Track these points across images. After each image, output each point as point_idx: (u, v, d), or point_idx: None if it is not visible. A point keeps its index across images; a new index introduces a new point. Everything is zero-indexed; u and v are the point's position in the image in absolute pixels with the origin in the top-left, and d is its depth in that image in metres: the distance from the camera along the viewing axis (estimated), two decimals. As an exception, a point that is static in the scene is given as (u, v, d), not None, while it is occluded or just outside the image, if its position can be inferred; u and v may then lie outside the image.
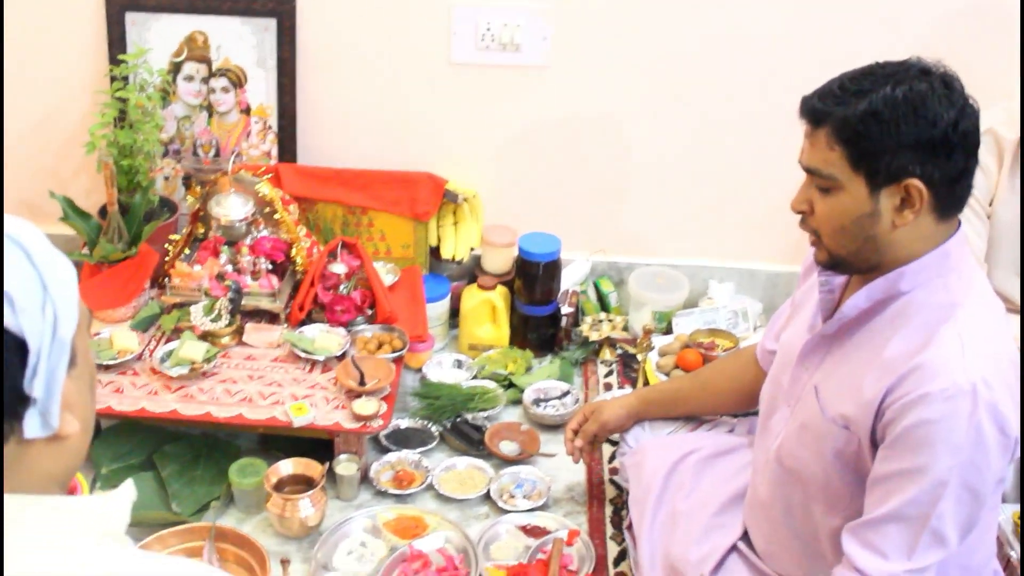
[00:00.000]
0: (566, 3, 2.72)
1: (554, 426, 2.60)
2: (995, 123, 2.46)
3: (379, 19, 2.76)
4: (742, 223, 2.99)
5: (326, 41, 2.80)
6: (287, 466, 2.30)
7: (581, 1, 2.72)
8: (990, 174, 2.47)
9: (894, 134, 1.48)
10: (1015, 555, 2.12)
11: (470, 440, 2.52)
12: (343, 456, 2.35)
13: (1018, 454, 1.57)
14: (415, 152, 2.90)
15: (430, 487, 2.39)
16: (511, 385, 2.72)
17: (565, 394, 2.69)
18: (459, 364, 2.79)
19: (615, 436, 2.29)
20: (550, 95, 2.83)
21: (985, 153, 2.43)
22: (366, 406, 2.33)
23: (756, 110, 2.81)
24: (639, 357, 2.71)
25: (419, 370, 2.73)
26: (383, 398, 2.39)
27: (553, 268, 2.79)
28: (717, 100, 2.82)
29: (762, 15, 2.73)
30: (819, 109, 1.53)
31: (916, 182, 1.49)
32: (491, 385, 2.68)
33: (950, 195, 1.53)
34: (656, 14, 2.73)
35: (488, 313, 2.83)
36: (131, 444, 2.42)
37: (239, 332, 2.57)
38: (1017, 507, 2.20)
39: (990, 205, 2.50)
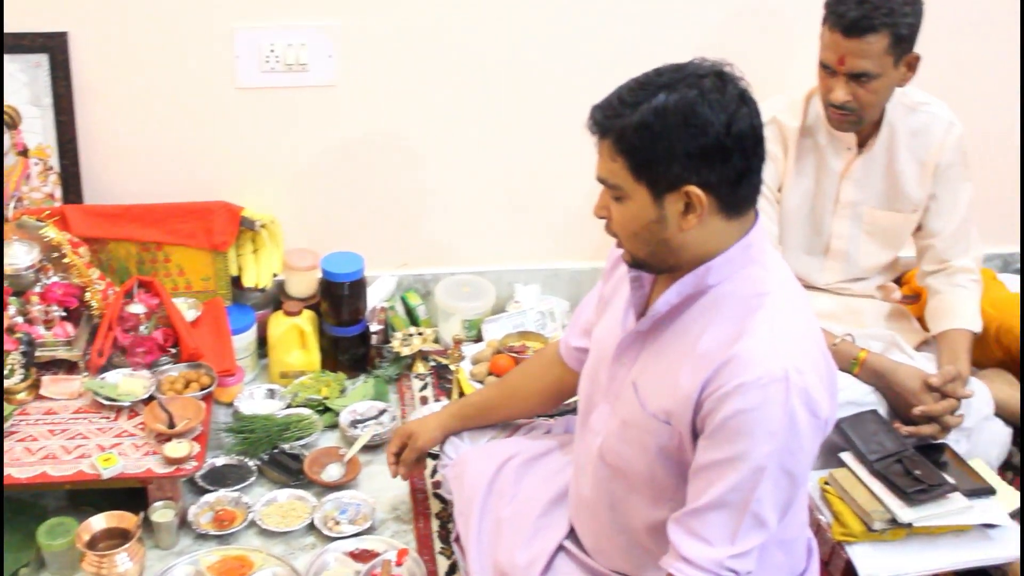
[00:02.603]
0: (350, 20, 2.71)
1: (374, 446, 2.58)
2: (777, 112, 2.58)
3: (159, 47, 2.67)
4: (542, 225, 3.04)
5: (104, 74, 2.69)
6: (99, 521, 2.20)
7: (364, 17, 2.71)
8: (777, 161, 2.59)
9: (666, 145, 1.50)
10: (824, 519, 2.22)
11: (289, 470, 2.48)
12: (158, 503, 2.27)
13: (828, 431, 1.64)
14: (208, 181, 2.83)
15: (252, 524, 2.34)
16: (327, 410, 2.69)
17: (382, 413, 2.68)
18: (272, 394, 2.74)
19: (435, 449, 2.29)
20: (341, 113, 2.82)
21: (771, 142, 2.54)
22: (178, 448, 2.27)
23: (550, 113, 2.87)
24: (452, 368, 2.73)
25: (231, 404, 2.67)
26: (195, 438, 2.33)
27: (358, 287, 2.78)
28: (509, 106, 2.87)
29: (551, 19, 2.79)
30: (600, 122, 1.56)
31: (695, 189, 1.52)
32: (306, 412, 2.65)
33: (733, 196, 1.57)
34: (441, 26, 2.75)
35: (296, 339, 2.80)
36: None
37: (35, 386, 2.45)
38: (824, 473, 2.31)
39: (779, 191, 2.62)
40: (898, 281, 3.03)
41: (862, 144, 2.56)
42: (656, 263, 1.64)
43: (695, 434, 1.60)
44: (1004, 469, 2.68)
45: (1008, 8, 3.07)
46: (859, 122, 2.46)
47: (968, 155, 2.61)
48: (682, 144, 1.50)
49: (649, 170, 1.53)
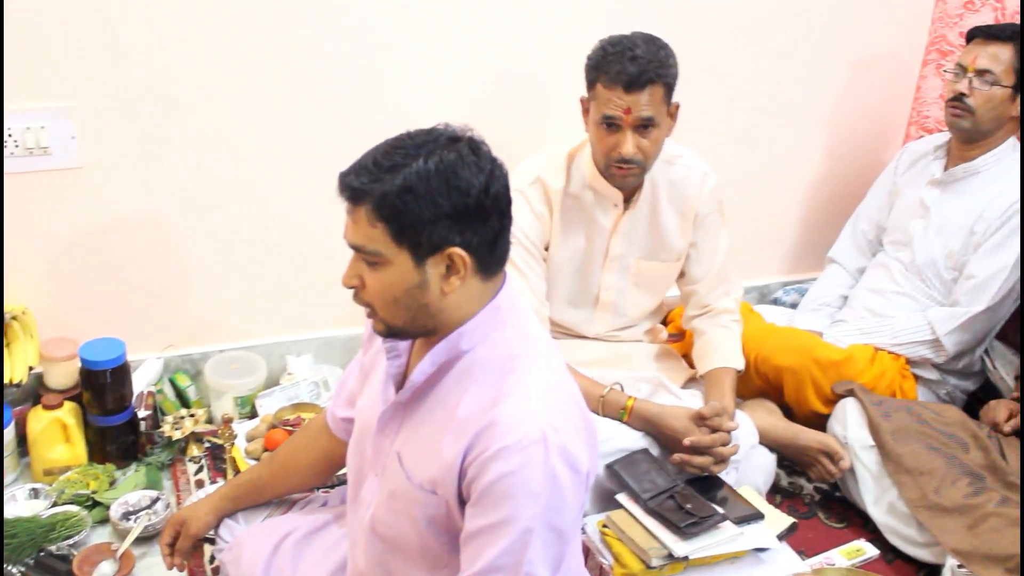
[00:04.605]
0: (90, 100, 2.63)
1: (149, 537, 2.48)
2: (541, 172, 2.65)
3: None
4: (310, 293, 3.02)
5: None
6: None
7: (104, 96, 2.64)
8: (544, 220, 2.65)
9: (431, 207, 1.51)
10: (606, 562, 2.27)
11: (57, 573, 2.35)
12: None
13: (591, 482, 1.68)
14: (-51, 276, 2.68)
15: (18, 634, 2.21)
16: (96, 504, 2.57)
17: (155, 501, 2.58)
18: (35, 493, 2.60)
19: (211, 533, 2.22)
20: (90, 195, 2.73)
21: (537, 201, 2.62)
22: (-72, 564, 2.12)
23: (306, 180, 2.86)
24: (227, 447, 2.66)
25: (-10, 510, 2.52)
26: (-52, 550, 2.18)
27: (121, 373, 2.67)
28: (265, 176, 2.85)
29: (299, 85, 2.79)
30: (356, 188, 1.54)
31: (458, 250, 1.54)
32: (74, 509, 2.52)
33: (491, 256, 1.59)
34: (184, 101, 2.71)
35: (59, 433, 2.67)
36: None
37: None
38: (602, 516, 2.36)
39: (546, 249, 2.69)
40: (664, 320, 3.15)
41: (628, 200, 2.66)
42: (414, 329, 1.64)
43: (462, 501, 1.60)
44: (772, 493, 2.82)
45: (743, 54, 3.27)
46: (642, 174, 2.56)
47: (724, 203, 2.75)
48: (445, 206, 1.51)
49: (412, 234, 1.53)
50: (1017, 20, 3.16)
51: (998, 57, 2.91)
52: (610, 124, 2.45)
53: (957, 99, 2.95)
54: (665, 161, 2.64)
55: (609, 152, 2.48)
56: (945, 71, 3.12)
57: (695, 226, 2.72)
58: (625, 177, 2.52)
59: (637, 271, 2.76)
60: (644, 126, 2.44)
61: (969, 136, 2.99)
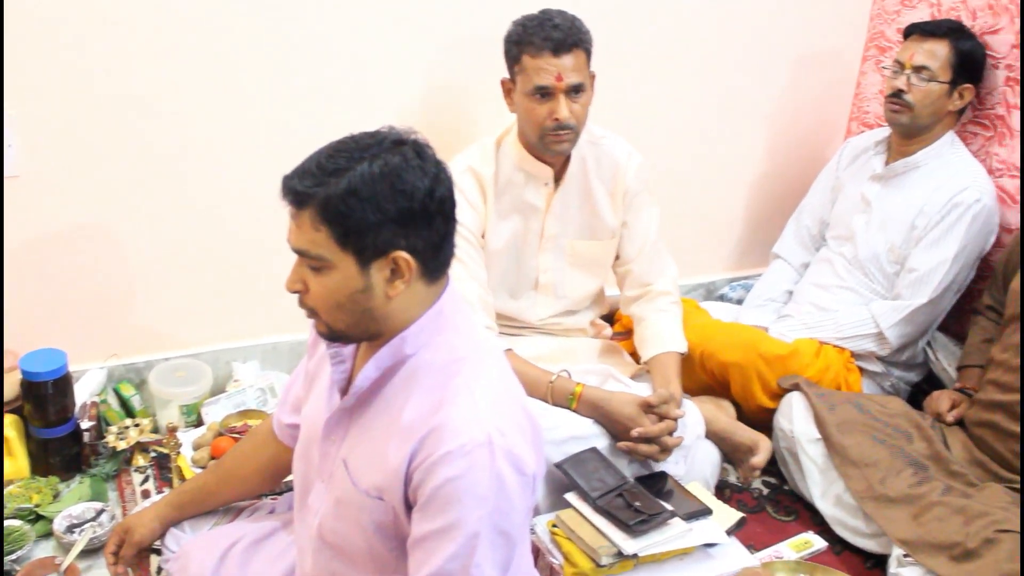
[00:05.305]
0: (27, 108, 2.58)
1: (94, 550, 2.45)
2: (472, 162, 2.67)
3: None
4: (255, 299, 2.99)
5: None
6: None
7: (42, 103, 2.60)
8: (478, 208, 2.66)
9: (376, 211, 1.50)
10: (556, 562, 2.27)
11: (-1, 589, 2.32)
12: None
13: (538, 485, 1.68)
14: None
15: (-39, 652, 2.17)
16: (39, 518, 2.53)
17: (100, 513, 2.54)
18: (-24, 509, 2.56)
19: (159, 543, 2.20)
20: (28, 205, 2.68)
21: (471, 190, 2.63)
22: None
23: (250, 184, 2.84)
24: (172, 456, 2.63)
25: (-71, 526, 2.47)
26: None
27: (63, 384, 2.63)
28: (207, 181, 2.82)
29: (243, 88, 2.77)
30: (300, 191, 1.53)
31: (403, 254, 1.54)
32: (16, 523, 2.48)
33: (436, 260, 1.60)
34: (121, 106, 2.67)
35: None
36: None
37: None
38: (551, 516, 2.36)
39: (483, 237, 2.69)
40: (610, 320, 3.17)
41: (558, 179, 2.68)
42: (357, 333, 1.63)
43: (409, 507, 1.60)
44: (721, 488, 2.84)
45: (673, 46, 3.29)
46: (575, 140, 2.59)
47: (650, 182, 2.78)
48: (390, 209, 1.51)
49: (357, 238, 1.52)
50: (952, 16, 3.20)
51: (934, 53, 2.95)
52: (543, 93, 2.49)
53: (896, 95, 2.99)
54: (590, 142, 2.70)
55: (544, 121, 2.52)
56: (883, 68, 3.16)
57: (625, 205, 2.77)
58: (561, 143, 2.56)
59: (573, 251, 2.78)
60: (575, 90, 2.50)
61: (908, 131, 3.03)
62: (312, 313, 1.63)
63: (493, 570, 1.56)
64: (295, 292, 1.62)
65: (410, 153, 1.54)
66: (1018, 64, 3.03)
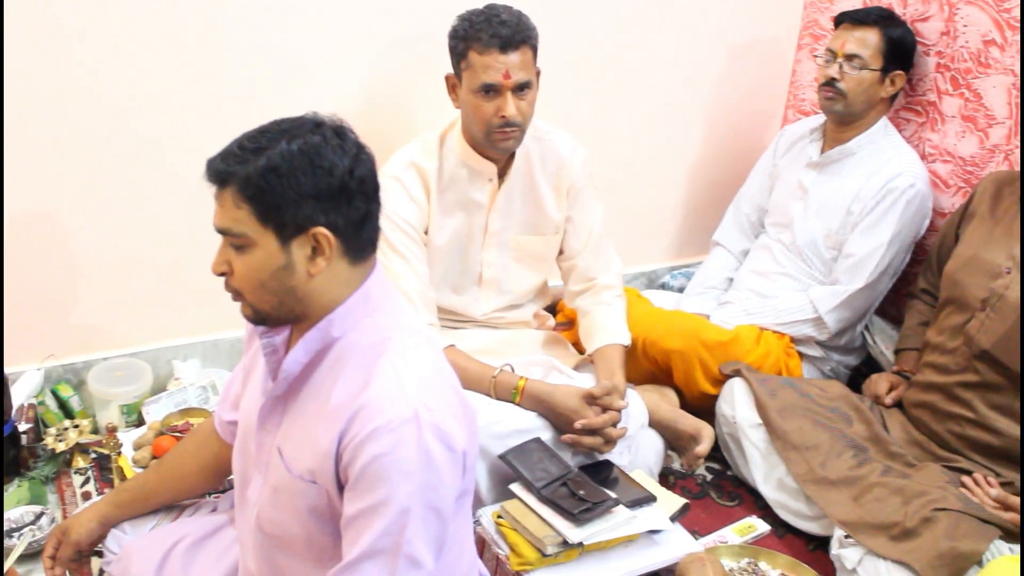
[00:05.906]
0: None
1: (34, 554, 2.41)
2: (415, 157, 2.66)
3: None
4: (195, 296, 2.96)
5: None
6: None
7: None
8: (421, 204, 2.65)
9: (294, 186, 1.53)
10: (502, 552, 2.28)
11: (-63, 596, 2.28)
12: None
13: (470, 463, 1.69)
14: None
15: (-102, 661, 2.12)
16: (-24, 522, 2.49)
17: (40, 516, 2.50)
18: (-89, 515, 2.50)
19: (101, 546, 2.17)
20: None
21: (414, 186, 2.63)
22: None
23: (184, 178, 2.77)
24: (113, 457, 2.59)
25: None
26: None
27: (-2, 386, 2.59)
28: (141, 177, 2.77)
29: (182, 81, 2.73)
30: (222, 170, 1.56)
31: (323, 230, 1.56)
32: (-47, 528, 2.44)
33: (357, 239, 1.61)
34: (63, 102, 2.62)
35: (-65, 451, 2.58)
36: None
37: None
38: (496, 507, 2.37)
39: (426, 233, 2.68)
40: (553, 311, 3.18)
41: (502, 175, 2.68)
42: (282, 314, 1.64)
43: (341, 488, 1.60)
44: (665, 475, 2.86)
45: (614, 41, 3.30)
46: (521, 136, 2.59)
47: (595, 176, 2.79)
48: (309, 185, 1.53)
49: (276, 214, 1.54)
50: (883, 4, 3.25)
51: (865, 41, 2.99)
52: (490, 90, 2.49)
53: (829, 83, 3.03)
54: (535, 137, 2.71)
55: (490, 119, 2.52)
56: (816, 56, 3.20)
57: (569, 199, 2.78)
58: (507, 140, 2.56)
59: (517, 246, 2.79)
60: (521, 88, 2.50)
61: (842, 119, 3.07)
62: (237, 295, 1.64)
63: (425, 546, 1.57)
64: (220, 274, 1.64)
65: (330, 133, 1.58)
66: (948, 51, 3.09)
